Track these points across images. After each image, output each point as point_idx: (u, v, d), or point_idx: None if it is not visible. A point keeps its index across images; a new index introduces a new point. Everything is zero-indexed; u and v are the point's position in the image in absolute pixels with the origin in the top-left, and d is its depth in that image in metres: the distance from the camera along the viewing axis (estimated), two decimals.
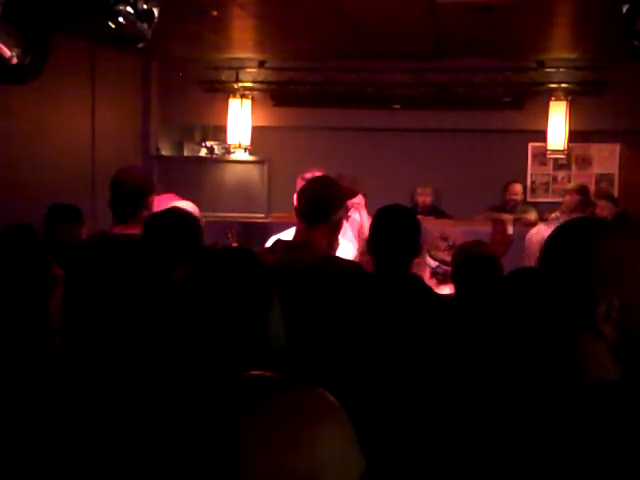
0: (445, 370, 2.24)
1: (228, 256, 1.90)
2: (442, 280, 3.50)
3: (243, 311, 1.59)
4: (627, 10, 3.52)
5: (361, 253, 3.26)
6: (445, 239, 3.55)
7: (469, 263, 3.15)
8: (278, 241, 3.01)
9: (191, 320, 1.59)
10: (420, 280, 2.71)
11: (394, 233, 2.61)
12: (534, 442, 1.17)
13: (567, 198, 5.85)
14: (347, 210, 3.77)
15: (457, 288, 3.21)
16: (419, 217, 3.11)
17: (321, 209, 2.86)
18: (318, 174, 3.73)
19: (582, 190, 5.93)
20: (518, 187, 6.95)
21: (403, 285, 2.56)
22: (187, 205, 3.36)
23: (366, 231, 4.02)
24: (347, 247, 3.50)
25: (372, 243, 2.69)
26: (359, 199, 4.59)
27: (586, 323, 1.23)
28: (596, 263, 1.24)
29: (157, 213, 2.91)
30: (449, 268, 3.36)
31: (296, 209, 2.96)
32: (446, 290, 3.43)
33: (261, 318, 1.60)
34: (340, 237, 4.01)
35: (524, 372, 1.30)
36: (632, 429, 1.14)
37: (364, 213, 4.53)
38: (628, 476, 1.12)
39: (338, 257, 2.93)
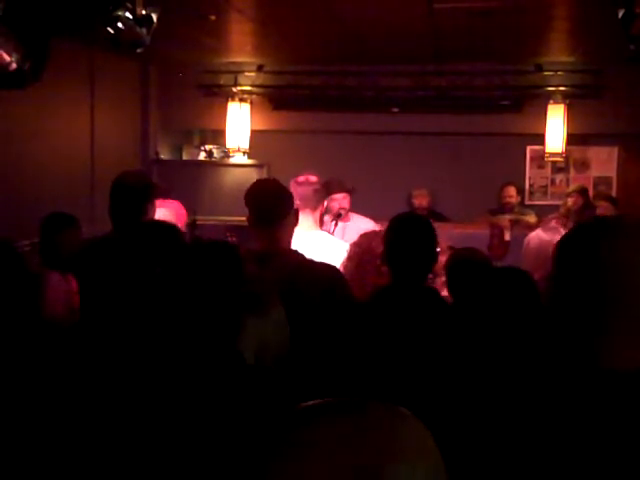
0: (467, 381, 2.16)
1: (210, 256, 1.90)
2: None
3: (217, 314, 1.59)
4: (623, 15, 3.54)
5: (349, 258, 3.13)
6: None
7: (462, 269, 3.13)
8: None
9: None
10: (438, 294, 2.59)
11: (412, 245, 2.47)
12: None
13: (570, 201, 5.82)
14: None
15: (453, 295, 3.18)
16: None
17: (278, 208, 2.94)
18: (312, 178, 3.72)
19: (585, 192, 5.93)
20: (512, 189, 6.92)
21: (422, 299, 2.44)
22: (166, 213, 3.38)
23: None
24: (342, 247, 3.44)
25: (388, 255, 2.54)
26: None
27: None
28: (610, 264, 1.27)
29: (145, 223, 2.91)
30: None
31: (252, 216, 3.00)
32: None
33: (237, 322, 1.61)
34: (337, 238, 4.01)
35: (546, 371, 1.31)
36: None
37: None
38: None
39: (311, 265, 2.73)
